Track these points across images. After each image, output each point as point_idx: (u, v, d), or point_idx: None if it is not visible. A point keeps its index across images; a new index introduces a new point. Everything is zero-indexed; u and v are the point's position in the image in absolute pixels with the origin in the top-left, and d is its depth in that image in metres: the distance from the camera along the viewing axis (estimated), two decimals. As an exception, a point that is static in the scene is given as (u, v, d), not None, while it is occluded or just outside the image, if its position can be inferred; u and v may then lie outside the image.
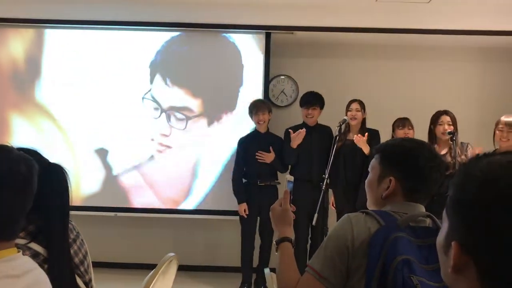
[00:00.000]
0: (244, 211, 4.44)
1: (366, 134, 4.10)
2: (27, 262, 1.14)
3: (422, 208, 1.55)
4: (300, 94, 4.78)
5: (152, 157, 4.95)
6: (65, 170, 1.47)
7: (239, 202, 4.48)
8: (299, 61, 5.24)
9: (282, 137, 4.52)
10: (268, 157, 4.39)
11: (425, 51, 5.20)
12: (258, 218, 4.52)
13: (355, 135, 4.12)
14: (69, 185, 1.46)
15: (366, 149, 4.04)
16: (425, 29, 4.81)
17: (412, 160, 1.53)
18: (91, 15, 4.83)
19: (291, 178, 1.66)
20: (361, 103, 4.35)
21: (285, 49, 5.14)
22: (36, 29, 4.99)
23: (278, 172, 4.54)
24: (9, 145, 1.23)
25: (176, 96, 4.95)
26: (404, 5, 4.24)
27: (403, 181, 1.53)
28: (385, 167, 1.57)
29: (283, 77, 5.24)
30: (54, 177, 1.42)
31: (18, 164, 1.11)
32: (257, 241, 4.56)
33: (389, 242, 1.38)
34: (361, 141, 4.08)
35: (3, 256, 1.08)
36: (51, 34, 5.00)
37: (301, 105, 4.53)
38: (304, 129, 4.28)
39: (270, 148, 4.40)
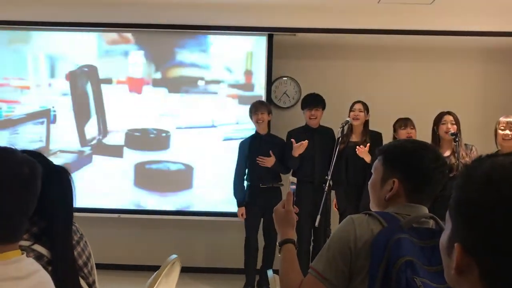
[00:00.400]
0: (242, 215, 4.46)
1: (368, 144, 4.07)
2: (31, 264, 1.15)
3: (425, 210, 1.55)
4: (303, 96, 4.78)
5: (154, 157, 4.96)
6: (68, 172, 1.48)
7: (238, 206, 4.49)
8: (302, 62, 5.23)
9: (284, 139, 4.51)
10: (269, 161, 4.38)
11: (427, 52, 5.19)
12: (262, 219, 4.53)
13: (357, 147, 4.09)
14: (72, 187, 1.47)
15: (368, 159, 4.01)
16: (427, 30, 4.81)
17: (415, 161, 1.53)
18: (89, 18, 4.86)
19: (294, 180, 1.66)
20: (364, 104, 4.35)
21: (287, 51, 5.14)
22: (23, 31, 5.02)
23: (281, 174, 4.54)
24: (12, 147, 1.24)
25: (178, 99, 4.96)
26: (407, 6, 4.24)
27: (406, 182, 1.53)
28: (388, 168, 1.57)
29: (286, 78, 5.25)
30: (58, 179, 1.43)
31: (21, 166, 1.11)
32: (261, 243, 4.57)
33: (392, 243, 1.38)
34: (363, 153, 4.06)
35: (7, 258, 1.08)
36: (39, 36, 5.03)
37: (303, 107, 4.53)
38: (306, 141, 4.23)
39: (271, 152, 4.39)
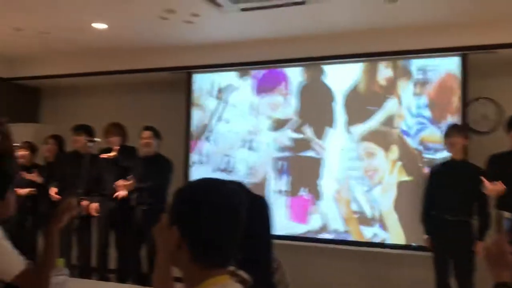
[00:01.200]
0: (429, 246, 4.12)
1: None
2: (238, 288, 1.21)
3: None
4: (505, 118, 4.27)
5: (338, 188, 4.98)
6: (268, 202, 1.55)
7: (426, 234, 4.17)
8: (502, 81, 4.73)
9: (482, 166, 4.02)
10: None
11: None
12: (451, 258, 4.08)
13: None
14: (271, 216, 1.53)
15: None
16: None
17: None
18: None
19: (509, 215, 1.47)
20: None
21: (484, 70, 4.71)
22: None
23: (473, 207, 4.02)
24: (221, 179, 1.33)
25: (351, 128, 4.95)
26: None
27: None
28: None
29: (484, 100, 4.78)
30: (259, 208, 1.51)
31: (230, 197, 1.19)
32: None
33: None
34: None
35: (218, 282, 1.16)
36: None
37: (509, 128, 3.99)
38: (502, 187, 3.44)
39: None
